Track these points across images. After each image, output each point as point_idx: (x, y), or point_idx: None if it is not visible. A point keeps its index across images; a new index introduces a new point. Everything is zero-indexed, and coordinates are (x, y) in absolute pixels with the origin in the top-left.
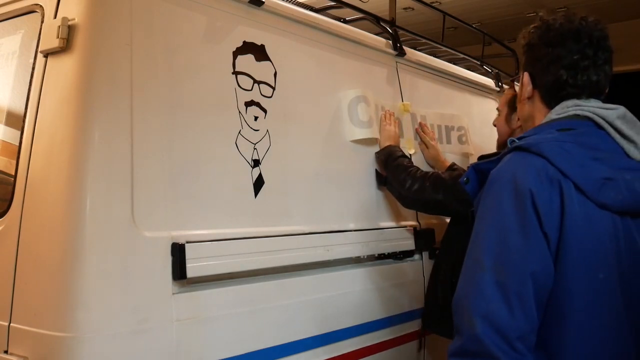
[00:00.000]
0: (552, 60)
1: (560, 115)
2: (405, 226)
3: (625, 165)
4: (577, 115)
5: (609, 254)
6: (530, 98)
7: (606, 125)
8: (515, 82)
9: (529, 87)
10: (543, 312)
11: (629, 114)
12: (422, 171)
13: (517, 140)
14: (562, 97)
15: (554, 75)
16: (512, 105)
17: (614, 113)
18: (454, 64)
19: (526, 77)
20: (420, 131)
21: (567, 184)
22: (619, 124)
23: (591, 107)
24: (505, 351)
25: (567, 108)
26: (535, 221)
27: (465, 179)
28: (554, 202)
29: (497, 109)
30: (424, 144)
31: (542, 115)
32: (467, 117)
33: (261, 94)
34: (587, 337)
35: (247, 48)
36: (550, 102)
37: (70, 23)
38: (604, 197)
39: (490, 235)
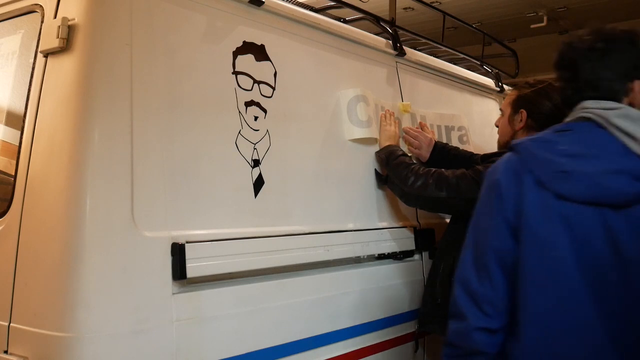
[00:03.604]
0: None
1: (568, 119)
2: (405, 226)
3: (620, 161)
4: (583, 118)
5: (565, 236)
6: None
7: (606, 124)
8: None
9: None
10: (510, 282)
11: (633, 112)
12: (424, 168)
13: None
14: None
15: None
16: (515, 106)
17: (614, 112)
18: (454, 64)
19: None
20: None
21: (528, 177)
22: (618, 122)
23: (595, 109)
24: (473, 312)
25: (577, 111)
26: (498, 206)
27: None
28: (515, 191)
29: (500, 109)
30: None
31: None
32: (467, 117)
33: (261, 94)
34: (541, 305)
35: (247, 48)
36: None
37: (70, 23)
38: (559, 188)
39: (474, 219)
